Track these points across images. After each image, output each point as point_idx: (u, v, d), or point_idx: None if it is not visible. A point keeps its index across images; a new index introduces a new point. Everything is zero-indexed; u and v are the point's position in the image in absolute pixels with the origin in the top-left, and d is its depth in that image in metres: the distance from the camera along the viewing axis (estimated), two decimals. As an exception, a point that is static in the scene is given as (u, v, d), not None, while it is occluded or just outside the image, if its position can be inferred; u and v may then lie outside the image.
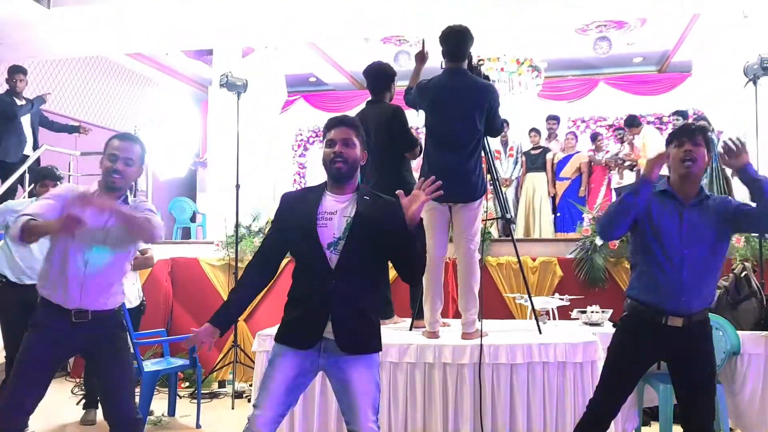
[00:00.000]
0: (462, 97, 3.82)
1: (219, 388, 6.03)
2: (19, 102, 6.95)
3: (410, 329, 4.18)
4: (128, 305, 4.69)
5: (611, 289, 5.50)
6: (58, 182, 4.73)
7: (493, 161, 4.31)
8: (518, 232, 8.40)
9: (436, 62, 4.07)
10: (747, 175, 2.84)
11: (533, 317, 4.10)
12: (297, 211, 2.59)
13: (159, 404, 5.09)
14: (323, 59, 10.66)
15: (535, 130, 9.03)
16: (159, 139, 9.68)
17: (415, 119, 4.21)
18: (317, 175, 11.60)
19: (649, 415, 4.45)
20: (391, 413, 3.66)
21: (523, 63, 9.11)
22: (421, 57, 4.25)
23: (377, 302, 2.71)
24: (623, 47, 10.15)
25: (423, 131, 4.04)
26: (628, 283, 3.06)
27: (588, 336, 3.79)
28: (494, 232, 7.16)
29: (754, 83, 5.12)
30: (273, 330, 4.01)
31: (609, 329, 4.44)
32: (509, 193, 8.74)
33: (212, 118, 8.58)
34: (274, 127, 8.92)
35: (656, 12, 7.85)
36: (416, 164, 4.63)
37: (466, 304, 3.85)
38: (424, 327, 3.93)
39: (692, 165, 2.81)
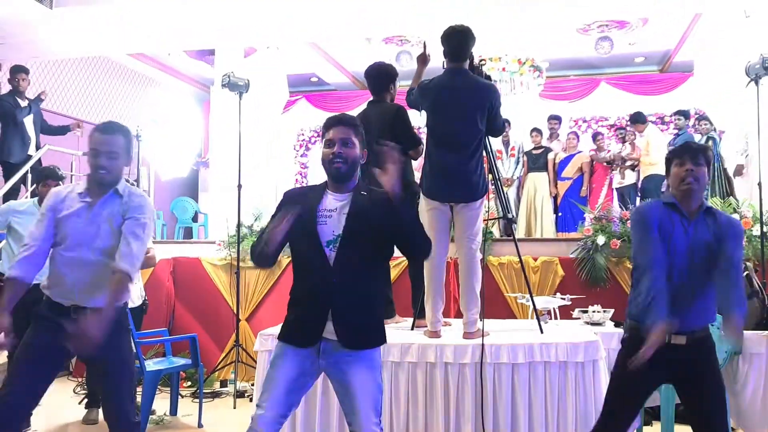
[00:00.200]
0: (463, 97, 3.82)
1: (221, 387, 6.05)
2: (22, 103, 6.97)
3: (412, 329, 4.19)
4: (130, 305, 4.70)
5: (613, 289, 5.50)
6: (60, 182, 4.74)
7: (494, 161, 4.31)
8: (520, 232, 8.40)
9: (437, 63, 4.08)
10: None
11: (535, 317, 4.10)
12: (300, 208, 2.58)
13: (161, 404, 5.10)
14: (325, 59, 10.66)
15: (536, 130, 9.03)
16: (161, 139, 9.69)
17: (418, 119, 4.21)
18: (319, 175, 11.55)
19: (651, 414, 4.46)
20: (392, 412, 3.67)
21: (524, 63, 9.11)
22: (423, 59, 4.25)
23: (379, 296, 2.72)
24: (625, 47, 10.15)
25: (425, 131, 4.04)
26: (629, 300, 2.94)
27: (589, 336, 3.79)
28: (496, 232, 7.17)
29: (756, 83, 5.12)
30: (275, 329, 4.02)
31: (611, 329, 4.45)
32: (511, 192, 8.73)
33: (214, 118, 8.59)
34: (275, 127, 8.92)
35: (658, 12, 7.84)
36: (418, 164, 4.64)
37: (468, 303, 3.86)
38: (426, 326, 3.93)
39: (694, 183, 2.79)
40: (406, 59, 9.85)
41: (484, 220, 4.04)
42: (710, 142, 7.70)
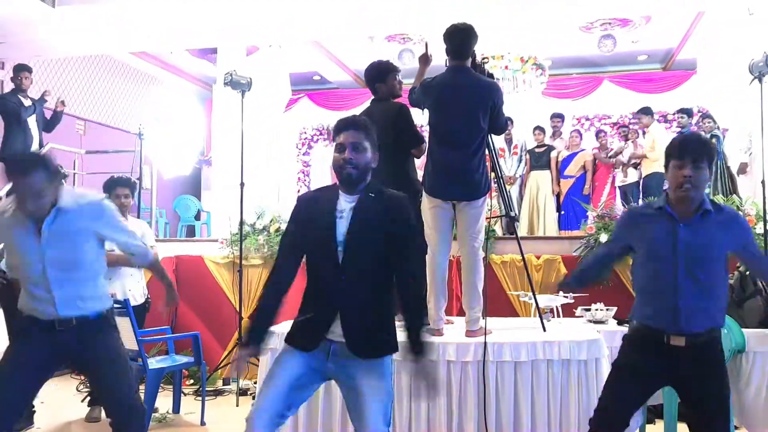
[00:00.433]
0: (466, 96, 3.81)
1: (223, 385, 6.05)
2: (25, 102, 6.98)
3: (414, 327, 4.17)
4: (133, 303, 4.71)
5: (615, 287, 5.49)
6: (63, 180, 4.74)
7: (497, 159, 4.30)
8: (522, 230, 8.38)
9: (440, 62, 4.07)
10: None
11: (537, 315, 4.09)
12: (315, 210, 2.58)
13: (164, 401, 5.10)
14: (327, 58, 10.66)
15: (539, 128, 9.02)
16: (164, 137, 9.70)
17: (420, 117, 4.20)
18: (321, 173, 11.62)
19: (654, 413, 4.45)
20: (395, 410, 3.66)
21: (527, 61, 9.09)
22: (425, 59, 4.24)
23: (390, 302, 2.64)
24: (628, 45, 10.13)
25: (427, 129, 4.04)
26: (632, 308, 2.92)
27: (592, 334, 3.79)
28: (498, 230, 7.16)
29: (760, 81, 5.09)
30: (277, 328, 4.01)
31: (613, 327, 4.44)
32: (513, 191, 8.72)
33: (217, 117, 8.59)
34: (278, 125, 8.92)
35: (661, 9, 7.82)
36: (420, 162, 4.63)
37: (470, 301, 3.85)
38: (428, 324, 3.93)
39: (691, 190, 2.65)
40: (408, 57, 9.84)
41: (487, 218, 4.03)
42: (714, 140, 7.69)
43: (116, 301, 3.94)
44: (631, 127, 9.44)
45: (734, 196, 6.01)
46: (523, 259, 4.40)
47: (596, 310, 4.58)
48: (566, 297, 4.61)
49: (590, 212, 5.93)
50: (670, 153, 2.73)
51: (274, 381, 2.50)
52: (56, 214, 2.85)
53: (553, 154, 8.83)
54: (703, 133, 7.89)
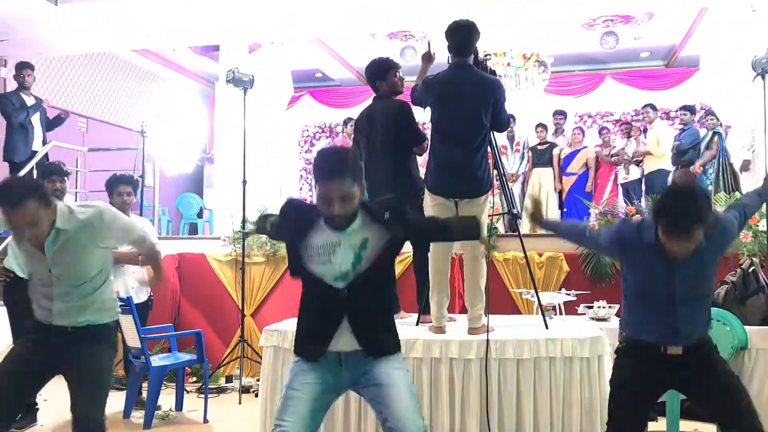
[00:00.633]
0: (468, 93, 3.81)
1: (226, 383, 6.05)
2: (27, 100, 6.98)
3: (417, 324, 4.18)
4: (136, 300, 4.72)
5: (618, 285, 5.42)
6: (65, 177, 4.76)
7: (499, 156, 4.30)
8: (524, 228, 8.37)
9: (443, 59, 4.06)
10: None
11: (540, 312, 4.09)
12: (293, 243, 2.45)
13: (166, 399, 5.12)
14: (329, 55, 10.65)
15: (541, 126, 9.02)
16: (166, 135, 9.70)
17: (422, 114, 4.20)
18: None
19: (656, 410, 4.45)
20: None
21: (529, 58, 9.08)
22: (428, 57, 4.23)
23: (390, 308, 2.62)
24: (630, 42, 10.11)
25: (429, 126, 4.04)
26: (621, 315, 2.89)
27: (595, 331, 3.79)
28: (501, 228, 7.16)
29: (763, 77, 5.09)
30: (280, 325, 4.03)
31: (616, 324, 4.41)
32: (516, 188, 8.72)
33: (219, 114, 8.60)
34: (280, 123, 8.93)
35: (663, 6, 7.81)
36: (422, 160, 4.63)
37: (473, 299, 3.85)
38: (431, 322, 3.93)
39: (685, 254, 2.55)
40: (410, 54, 9.83)
41: (489, 216, 4.03)
42: (716, 137, 7.68)
43: (119, 299, 3.94)
44: (633, 124, 9.43)
45: (737, 193, 5.99)
46: (526, 256, 4.40)
47: (598, 307, 4.58)
48: (568, 294, 4.61)
49: (592, 210, 5.94)
50: (657, 214, 2.53)
51: (295, 402, 2.38)
52: (56, 234, 2.78)
53: (556, 151, 8.82)
54: (705, 130, 7.88)
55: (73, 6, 7.04)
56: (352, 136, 4.85)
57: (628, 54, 10.80)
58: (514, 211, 4.36)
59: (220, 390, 5.84)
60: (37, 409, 4.72)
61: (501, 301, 5.44)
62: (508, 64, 8.93)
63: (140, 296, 4.96)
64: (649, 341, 2.72)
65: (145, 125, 7.52)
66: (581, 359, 3.59)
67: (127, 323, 4.61)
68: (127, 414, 4.88)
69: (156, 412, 4.83)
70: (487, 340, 3.57)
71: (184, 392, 5.23)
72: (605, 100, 11.22)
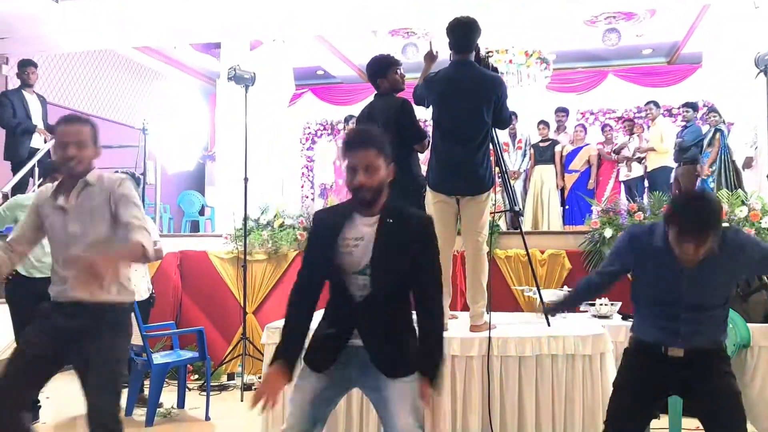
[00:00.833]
0: (469, 90, 3.80)
1: (228, 380, 6.07)
2: (30, 98, 6.96)
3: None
4: (138, 298, 4.70)
5: (620, 282, 5.46)
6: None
7: (501, 154, 4.29)
8: (526, 225, 8.38)
9: (445, 57, 4.05)
10: None
11: (542, 310, 4.09)
12: (325, 237, 2.45)
13: (168, 396, 5.12)
14: (331, 52, 10.65)
15: (543, 123, 9.01)
16: (168, 132, 9.70)
17: (423, 112, 4.19)
18: (324, 169, 11.60)
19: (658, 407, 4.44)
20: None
21: (531, 55, 9.08)
22: (431, 56, 4.21)
23: (410, 323, 2.53)
24: (632, 39, 10.09)
25: (431, 124, 4.03)
26: (633, 322, 2.87)
27: (597, 328, 3.79)
28: (502, 225, 7.15)
29: (765, 74, 5.08)
30: (282, 322, 4.02)
31: (618, 322, 4.43)
32: (517, 185, 8.72)
33: (220, 112, 8.60)
34: (281, 120, 8.92)
35: (666, 3, 7.80)
36: (424, 157, 4.62)
37: (475, 296, 3.85)
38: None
39: (696, 260, 2.50)
40: (412, 51, 9.82)
41: (491, 213, 4.03)
42: (718, 134, 7.67)
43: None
44: (636, 121, 9.41)
45: (739, 190, 5.98)
46: (528, 253, 4.39)
47: (601, 305, 4.57)
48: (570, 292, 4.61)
49: (594, 207, 5.92)
50: (669, 219, 2.51)
51: (298, 398, 2.43)
52: (82, 186, 2.90)
53: (558, 148, 8.81)
54: (708, 127, 7.87)
55: (74, 3, 7.04)
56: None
57: (630, 51, 10.78)
58: (516, 209, 4.35)
59: (222, 387, 5.85)
60: (39, 406, 4.72)
61: (503, 299, 5.43)
62: (510, 62, 8.92)
63: (142, 294, 4.96)
64: (651, 341, 2.70)
65: (146, 123, 7.51)
66: (583, 356, 3.59)
67: (129, 321, 4.60)
68: (128, 411, 4.88)
69: (158, 409, 4.84)
70: (489, 338, 3.57)
71: (186, 390, 5.23)
72: (607, 97, 11.22)
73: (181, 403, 5.12)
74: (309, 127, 12.42)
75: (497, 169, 4.18)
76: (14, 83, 7.38)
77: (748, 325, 3.99)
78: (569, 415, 3.56)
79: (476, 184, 3.80)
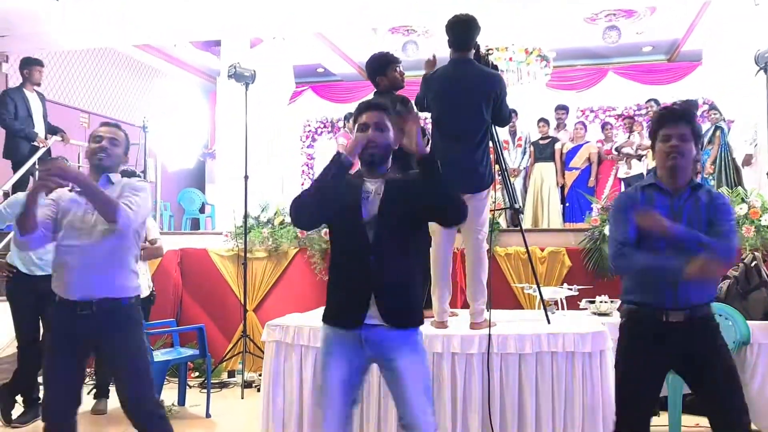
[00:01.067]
0: (468, 88, 3.80)
1: (228, 377, 6.08)
2: (31, 97, 6.95)
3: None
4: (139, 295, 4.72)
5: (620, 279, 5.47)
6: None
7: (501, 151, 4.29)
8: (526, 222, 8.38)
9: (445, 54, 4.05)
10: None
11: (542, 307, 4.09)
12: (341, 187, 2.59)
13: (169, 394, 5.13)
14: (331, 50, 10.64)
15: (543, 120, 9.00)
16: (168, 130, 9.70)
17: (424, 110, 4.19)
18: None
19: (658, 404, 4.45)
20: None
21: (531, 53, 9.07)
22: (432, 65, 4.20)
23: (417, 276, 2.70)
24: (632, 36, 10.08)
25: (430, 122, 4.03)
26: (622, 289, 2.88)
27: (597, 326, 3.79)
28: (502, 223, 7.16)
29: (765, 72, 5.08)
30: (282, 320, 4.03)
31: (618, 319, 4.40)
32: (517, 183, 8.72)
33: (221, 109, 8.60)
34: (281, 118, 8.92)
35: (666, 0, 7.79)
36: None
37: (475, 294, 3.85)
38: (433, 317, 3.93)
39: (679, 159, 2.64)
40: (412, 49, 9.81)
41: (491, 211, 4.03)
42: (718, 132, 7.67)
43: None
44: (636, 119, 9.41)
45: (739, 188, 5.98)
46: (528, 251, 4.39)
47: (600, 302, 4.58)
48: (570, 289, 4.62)
49: (595, 204, 5.93)
50: (654, 131, 2.73)
51: (329, 394, 2.54)
52: (105, 181, 2.99)
53: (558, 146, 8.81)
54: (708, 124, 7.88)
55: (74, 1, 7.04)
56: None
57: (630, 48, 10.77)
58: (516, 206, 4.35)
59: (223, 385, 5.86)
60: (40, 404, 4.73)
61: (503, 296, 5.43)
62: (510, 59, 8.92)
63: (142, 291, 4.96)
64: (652, 305, 2.69)
65: (146, 120, 7.53)
66: (583, 354, 3.59)
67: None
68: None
69: (158, 407, 4.84)
70: (489, 335, 3.58)
71: (187, 387, 5.25)
72: (607, 95, 11.21)
73: (181, 400, 5.13)
74: (309, 125, 12.42)
75: (497, 166, 4.18)
76: (14, 81, 7.37)
77: (748, 322, 4.00)
78: (569, 412, 3.56)
79: (476, 182, 3.80)
